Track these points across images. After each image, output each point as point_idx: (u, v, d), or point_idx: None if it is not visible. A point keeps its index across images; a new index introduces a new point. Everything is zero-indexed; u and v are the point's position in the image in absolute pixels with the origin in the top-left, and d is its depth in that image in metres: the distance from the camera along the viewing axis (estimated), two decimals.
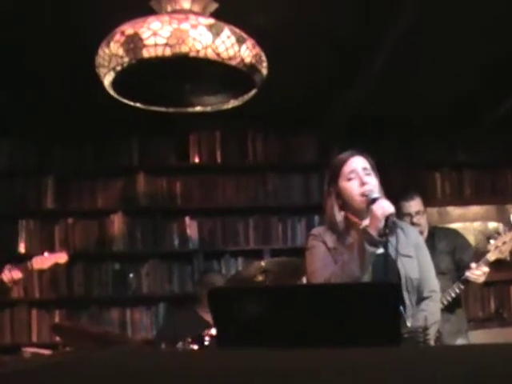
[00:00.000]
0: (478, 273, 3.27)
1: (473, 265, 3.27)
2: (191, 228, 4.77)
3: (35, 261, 3.47)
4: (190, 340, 2.86)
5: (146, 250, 4.71)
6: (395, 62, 3.44)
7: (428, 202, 3.81)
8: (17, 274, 3.38)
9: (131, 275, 4.68)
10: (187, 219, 4.76)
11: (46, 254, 3.54)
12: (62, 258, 3.56)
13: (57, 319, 4.56)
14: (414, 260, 2.29)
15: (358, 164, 2.30)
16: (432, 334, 2.20)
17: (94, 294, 4.64)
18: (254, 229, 4.79)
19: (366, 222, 2.22)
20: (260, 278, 3.34)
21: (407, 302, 2.21)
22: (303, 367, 0.72)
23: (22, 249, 4.60)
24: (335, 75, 3.88)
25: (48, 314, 4.59)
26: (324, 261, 2.26)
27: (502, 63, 3.80)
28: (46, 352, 3.54)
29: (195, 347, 2.82)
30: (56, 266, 3.58)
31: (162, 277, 4.71)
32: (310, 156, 4.89)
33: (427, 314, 2.19)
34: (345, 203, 2.31)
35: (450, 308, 3.37)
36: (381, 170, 2.37)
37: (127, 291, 4.67)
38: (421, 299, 2.28)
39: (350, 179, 2.28)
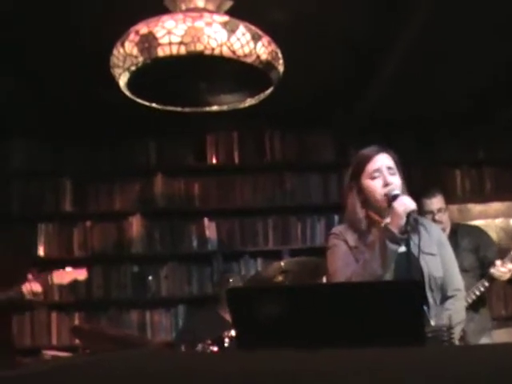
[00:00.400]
0: (503, 270, 3.23)
1: (498, 262, 3.23)
2: (210, 229, 4.75)
3: (56, 275, 3.51)
4: (209, 342, 2.84)
5: (165, 251, 4.70)
6: (411, 61, 3.41)
7: (448, 200, 3.77)
8: (36, 287, 3.40)
9: (150, 277, 4.68)
10: (205, 220, 4.75)
11: (67, 268, 3.56)
12: (81, 274, 3.58)
13: (76, 322, 4.57)
14: (438, 258, 2.24)
15: (383, 162, 2.23)
16: (457, 333, 2.15)
17: (113, 296, 4.64)
18: (272, 229, 4.77)
19: (387, 220, 2.17)
20: (280, 278, 3.31)
21: (431, 300, 2.16)
22: (322, 369, 0.71)
23: (41, 252, 4.62)
24: (352, 74, 3.86)
25: (67, 317, 4.60)
26: (345, 260, 2.21)
27: None
28: (66, 355, 3.55)
29: (215, 349, 2.79)
30: (75, 282, 3.61)
31: (180, 279, 4.70)
32: (328, 155, 4.85)
33: (452, 312, 2.14)
34: (366, 200, 2.26)
35: (474, 306, 3.33)
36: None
37: (146, 293, 4.67)
38: (445, 298, 2.23)
39: (374, 178, 2.23)
